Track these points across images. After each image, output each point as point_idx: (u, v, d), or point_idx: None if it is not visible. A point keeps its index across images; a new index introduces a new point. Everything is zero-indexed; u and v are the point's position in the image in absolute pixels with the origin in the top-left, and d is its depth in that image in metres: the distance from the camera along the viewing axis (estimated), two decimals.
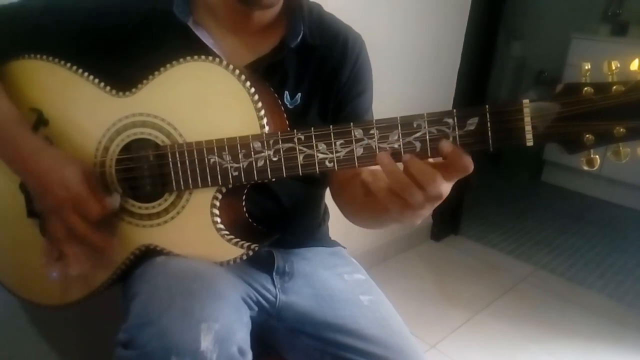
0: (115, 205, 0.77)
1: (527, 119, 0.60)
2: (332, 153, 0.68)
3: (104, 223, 0.75)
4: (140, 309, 0.66)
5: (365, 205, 0.77)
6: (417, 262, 2.27)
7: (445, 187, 0.62)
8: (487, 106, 0.61)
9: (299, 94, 0.86)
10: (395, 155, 0.64)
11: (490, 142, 0.62)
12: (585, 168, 0.61)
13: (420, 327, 1.76)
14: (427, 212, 0.66)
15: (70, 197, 0.72)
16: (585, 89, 0.58)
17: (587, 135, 0.59)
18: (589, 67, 0.59)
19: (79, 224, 0.73)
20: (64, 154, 0.77)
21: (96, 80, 0.79)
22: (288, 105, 0.85)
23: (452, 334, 1.80)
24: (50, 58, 0.80)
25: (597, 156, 0.60)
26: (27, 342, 1.20)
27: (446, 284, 2.13)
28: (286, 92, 0.85)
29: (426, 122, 0.64)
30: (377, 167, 0.65)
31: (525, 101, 0.60)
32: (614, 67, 0.58)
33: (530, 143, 0.60)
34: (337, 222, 1.07)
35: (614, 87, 0.57)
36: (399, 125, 0.65)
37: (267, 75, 0.83)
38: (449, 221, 2.47)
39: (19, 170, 0.78)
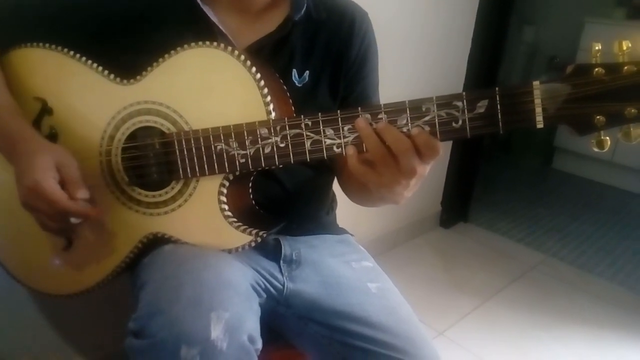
0: (86, 196, 0.71)
1: (538, 101, 0.59)
2: (339, 138, 0.67)
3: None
4: (150, 298, 0.67)
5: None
6: (426, 249, 2.27)
7: (421, 167, 0.64)
8: (497, 88, 0.61)
9: (307, 71, 0.85)
10: None
11: (501, 124, 0.61)
12: (596, 149, 0.60)
13: (428, 314, 1.76)
14: (404, 190, 0.67)
15: (30, 185, 0.69)
16: (596, 69, 0.57)
17: (598, 117, 0.58)
18: (600, 47, 0.58)
19: (45, 208, 0.70)
20: (48, 145, 0.74)
21: (100, 68, 0.79)
22: (297, 84, 0.85)
23: (460, 321, 1.80)
24: (54, 46, 0.80)
25: (607, 138, 0.59)
26: (38, 332, 1.22)
27: (455, 272, 2.12)
28: (294, 70, 0.84)
29: (435, 105, 0.63)
30: None
31: (535, 83, 0.59)
32: (625, 47, 0.57)
33: (540, 125, 0.60)
34: (345, 210, 1.06)
35: (626, 67, 0.56)
36: (408, 109, 0.64)
37: (274, 53, 0.83)
38: (458, 208, 2.46)
39: (10, 160, 0.76)
